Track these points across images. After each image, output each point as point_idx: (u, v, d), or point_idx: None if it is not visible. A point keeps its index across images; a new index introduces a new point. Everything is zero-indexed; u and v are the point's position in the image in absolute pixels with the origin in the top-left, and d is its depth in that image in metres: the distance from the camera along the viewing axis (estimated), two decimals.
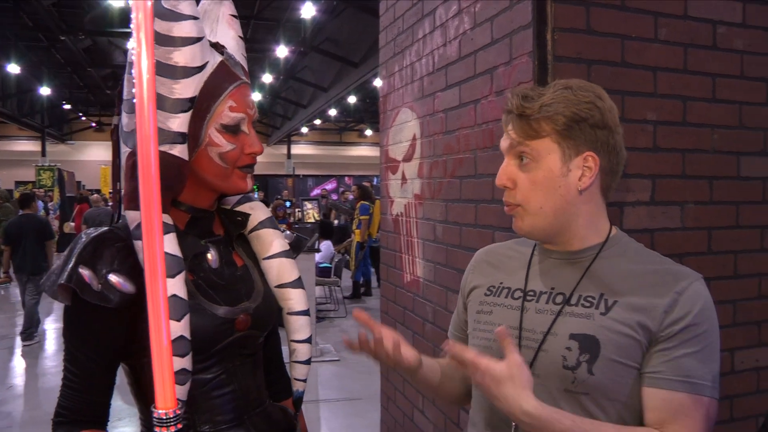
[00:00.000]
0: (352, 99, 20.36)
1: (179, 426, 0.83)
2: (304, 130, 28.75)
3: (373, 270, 10.62)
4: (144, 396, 1.20)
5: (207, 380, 1.22)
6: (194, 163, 1.20)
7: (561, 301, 1.20)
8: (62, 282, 1.09)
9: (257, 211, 1.38)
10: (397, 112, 3.01)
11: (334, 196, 19.75)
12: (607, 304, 1.15)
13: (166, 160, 1.11)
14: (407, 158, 2.89)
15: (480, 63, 2.08)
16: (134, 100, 0.92)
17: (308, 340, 1.38)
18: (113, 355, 1.17)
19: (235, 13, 1.32)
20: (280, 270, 1.35)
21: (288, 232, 1.47)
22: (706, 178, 2.04)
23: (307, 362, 1.39)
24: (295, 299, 1.36)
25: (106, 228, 1.18)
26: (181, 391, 1.12)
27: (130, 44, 1.12)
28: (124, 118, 1.16)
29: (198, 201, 1.26)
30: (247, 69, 1.29)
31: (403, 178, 2.95)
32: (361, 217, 9.63)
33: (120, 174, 1.21)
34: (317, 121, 26.94)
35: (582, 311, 1.16)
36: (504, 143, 1.22)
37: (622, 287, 1.16)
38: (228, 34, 1.28)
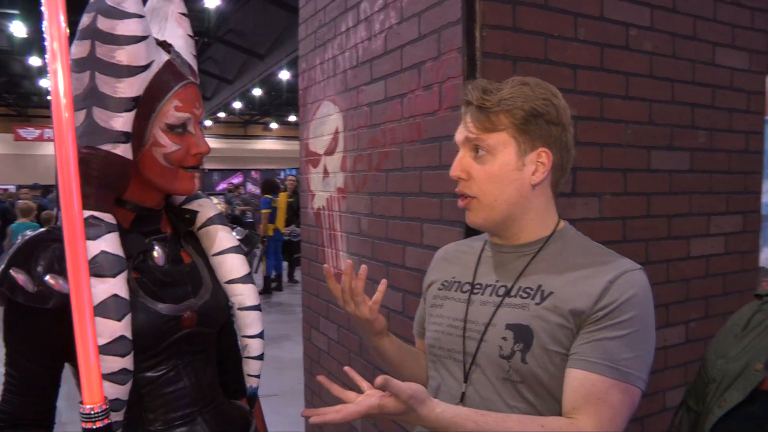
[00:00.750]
0: (257, 91, 20.01)
1: (106, 421, 0.86)
2: (208, 123, 27.99)
3: (285, 264, 10.57)
4: None
5: (155, 378, 1.21)
6: (139, 162, 1.19)
7: (503, 293, 1.23)
8: None
9: (205, 208, 1.37)
10: (318, 106, 3.00)
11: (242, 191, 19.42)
12: (543, 294, 1.18)
13: (108, 159, 1.12)
14: (329, 152, 2.88)
15: (407, 57, 2.10)
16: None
17: (260, 335, 1.38)
18: (53, 356, 1.14)
19: (185, 11, 1.30)
20: (229, 265, 1.35)
21: (239, 228, 1.46)
22: (621, 170, 2.17)
23: (260, 357, 1.39)
24: (245, 294, 1.35)
25: (44, 229, 1.16)
26: (122, 391, 1.11)
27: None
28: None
29: (144, 199, 1.25)
30: (196, 68, 1.28)
31: (325, 172, 2.94)
32: (262, 211, 9.56)
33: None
34: (221, 114, 26.30)
35: (519, 302, 1.20)
36: (460, 135, 1.23)
37: (560, 278, 1.18)
38: (176, 32, 1.26)
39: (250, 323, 1.36)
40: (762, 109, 2.62)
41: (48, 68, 0.82)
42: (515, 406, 1.16)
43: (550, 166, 1.20)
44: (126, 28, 1.09)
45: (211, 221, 1.36)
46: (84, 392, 0.85)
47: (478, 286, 1.28)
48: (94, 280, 1.06)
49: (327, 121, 2.88)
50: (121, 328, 1.09)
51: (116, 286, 1.10)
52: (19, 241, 1.12)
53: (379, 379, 1.01)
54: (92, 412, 0.85)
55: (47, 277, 1.08)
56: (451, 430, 1.07)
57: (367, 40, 2.37)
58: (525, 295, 1.20)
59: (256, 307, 1.37)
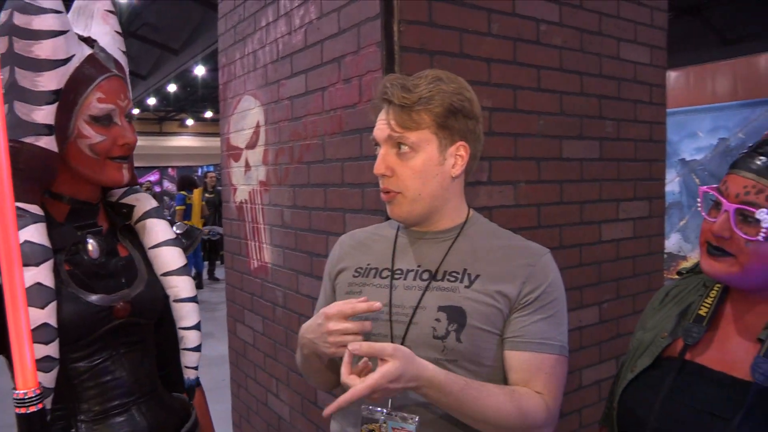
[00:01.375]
0: (172, 87, 19.49)
1: (40, 406, 0.88)
2: None
3: (205, 263, 10.42)
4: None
5: (89, 368, 1.23)
6: (66, 155, 1.21)
7: (428, 277, 1.28)
8: None
9: (142, 202, 1.40)
10: (238, 100, 2.97)
11: (157, 189, 18.89)
12: (470, 278, 1.25)
13: (31, 151, 1.14)
14: (251, 145, 2.87)
15: (327, 52, 2.12)
16: None
17: (197, 327, 1.40)
18: None
19: (112, 9, 1.33)
20: (165, 258, 1.37)
21: (179, 222, 1.47)
22: (535, 159, 2.26)
23: (197, 349, 1.41)
24: (180, 286, 1.37)
25: None
26: (48, 378, 1.13)
27: None
28: None
29: (79, 193, 1.27)
30: (124, 63, 1.31)
31: (247, 165, 2.93)
32: (176, 207, 9.43)
33: None
34: (135, 111, 25.47)
35: (448, 285, 1.26)
36: (381, 133, 1.26)
37: (482, 262, 1.27)
38: (103, 29, 1.29)
39: (186, 315, 1.39)
40: (663, 101, 2.80)
41: None
42: None
43: (467, 157, 1.27)
44: (42, 23, 1.12)
45: (147, 215, 1.39)
46: (17, 377, 0.86)
47: (398, 272, 1.31)
48: None
49: (248, 115, 2.87)
50: (45, 315, 1.10)
51: (40, 274, 1.11)
52: None
53: (353, 346, 1.10)
54: (26, 397, 0.87)
55: None
56: (445, 389, 1.11)
57: (287, 35, 2.38)
58: (452, 278, 1.26)
59: (192, 299, 1.40)
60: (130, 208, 1.38)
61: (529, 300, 1.23)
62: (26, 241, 1.11)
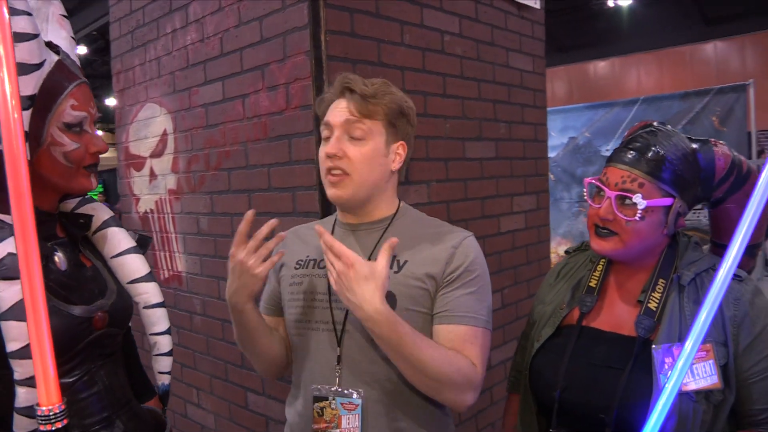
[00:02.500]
0: None
1: (65, 422, 0.86)
2: None
3: None
4: None
5: (69, 384, 1.19)
6: (37, 163, 1.16)
7: None
8: None
9: (99, 212, 1.36)
10: (140, 108, 2.93)
11: None
12: (400, 263, 1.37)
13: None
14: (156, 154, 2.84)
15: (248, 59, 2.18)
16: None
17: (168, 332, 1.40)
18: None
19: (65, 13, 1.28)
20: (131, 266, 1.35)
21: (131, 231, 1.46)
22: (443, 160, 2.45)
23: (170, 354, 1.40)
24: (150, 292, 1.37)
25: None
26: (34, 396, 1.09)
27: None
28: None
29: (41, 203, 1.21)
30: (81, 69, 1.28)
31: (152, 174, 2.89)
32: None
33: None
34: None
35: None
36: (338, 118, 1.36)
37: (410, 248, 1.39)
38: (60, 34, 1.24)
39: (157, 320, 1.38)
40: (544, 104, 3.10)
41: None
42: (381, 361, 1.33)
43: (404, 156, 1.43)
44: (16, 25, 1.06)
45: (106, 224, 1.35)
46: (40, 394, 0.85)
47: None
48: (5, 284, 1.05)
49: (152, 123, 2.84)
50: None
51: None
52: None
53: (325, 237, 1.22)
54: (51, 414, 0.86)
55: None
56: (394, 326, 1.21)
57: (199, 42, 2.40)
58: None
59: (162, 304, 1.39)
60: (88, 218, 1.34)
61: (453, 277, 1.34)
62: (9, 254, 1.07)
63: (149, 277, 1.37)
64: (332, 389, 1.35)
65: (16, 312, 1.05)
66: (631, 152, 1.32)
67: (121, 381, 1.32)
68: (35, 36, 1.10)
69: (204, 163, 2.48)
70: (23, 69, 1.08)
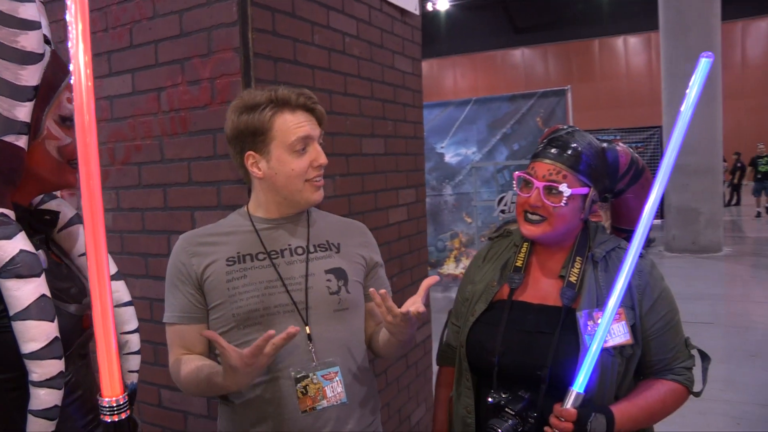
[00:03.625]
0: None
1: (128, 412, 0.92)
2: None
3: None
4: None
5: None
6: (29, 156, 1.12)
7: (302, 252, 1.57)
8: None
9: (65, 209, 1.31)
10: None
11: None
12: (337, 246, 1.62)
13: (11, 151, 1.07)
14: None
15: (164, 53, 2.16)
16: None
17: (137, 330, 1.38)
18: None
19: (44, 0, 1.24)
20: None
21: None
22: (345, 155, 2.59)
23: (138, 352, 1.38)
24: (120, 290, 1.35)
25: None
26: (60, 396, 1.07)
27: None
28: None
29: (20, 198, 1.17)
30: None
31: None
32: None
33: None
34: None
35: (323, 254, 1.59)
36: (315, 132, 1.56)
37: (337, 234, 1.65)
38: (43, 22, 1.18)
39: (128, 319, 1.35)
40: (421, 104, 3.34)
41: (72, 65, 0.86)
42: (344, 329, 1.56)
43: None
44: (27, 12, 1.06)
45: (71, 222, 1.31)
46: (103, 386, 0.89)
47: (273, 253, 1.54)
48: (20, 282, 1.03)
49: None
50: (54, 329, 1.06)
51: (42, 285, 1.06)
52: None
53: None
54: (115, 405, 0.91)
55: None
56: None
57: (102, 32, 2.32)
58: (323, 249, 1.60)
59: (131, 303, 1.37)
60: (55, 214, 1.27)
61: (374, 260, 1.70)
62: (22, 251, 1.04)
63: (118, 276, 1.35)
64: (312, 365, 1.47)
65: (33, 311, 1.03)
66: (554, 149, 1.56)
67: (96, 384, 1.29)
68: (40, 25, 1.08)
69: (108, 157, 2.39)
70: (32, 59, 1.07)
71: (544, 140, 1.64)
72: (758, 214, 14.48)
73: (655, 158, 13.98)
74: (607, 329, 1.39)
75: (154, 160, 2.25)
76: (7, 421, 1.09)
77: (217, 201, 2.10)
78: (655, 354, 1.55)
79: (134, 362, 1.37)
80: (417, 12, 3.21)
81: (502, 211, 6.69)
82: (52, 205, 1.30)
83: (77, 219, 1.32)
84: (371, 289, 1.41)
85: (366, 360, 1.63)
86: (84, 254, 1.28)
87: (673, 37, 9.78)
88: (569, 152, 1.54)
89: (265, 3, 2.08)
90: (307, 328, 1.50)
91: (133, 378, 1.38)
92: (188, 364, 1.49)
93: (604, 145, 1.63)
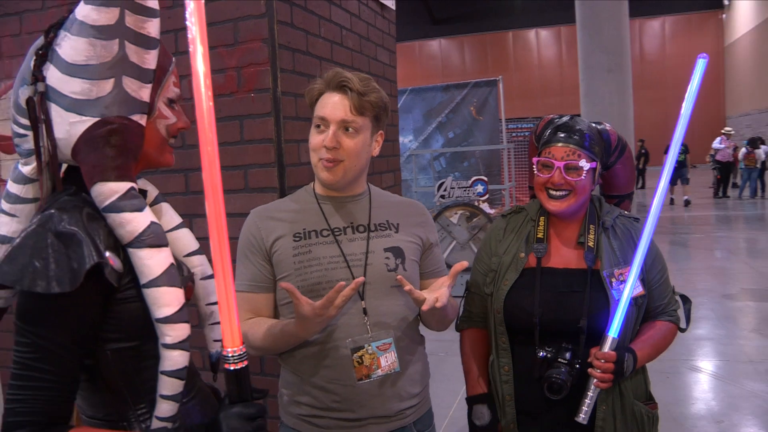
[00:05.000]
0: None
1: (246, 362, 1.03)
2: None
3: None
4: (112, 386, 1.14)
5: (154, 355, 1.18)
6: None
7: (363, 230, 1.65)
8: (91, 264, 1.01)
9: (149, 187, 1.36)
10: (8, 86, 2.74)
11: None
12: (396, 226, 1.69)
13: (137, 130, 1.13)
14: None
15: (184, 42, 2.26)
16: (91, 64, 1.06)
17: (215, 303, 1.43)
18: (87, 343, 1.08)
19: None
20: (184, 240, 1.38)
21: None
22: None
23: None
24: (205, 264, 1.40)
25: (72, 204, 1.09)
26: (188, 358, 1.14)
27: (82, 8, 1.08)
28: (73, 83, 1.08)
29: None
30: None
31: None
32: None
33: (47, 148, 1.10)
34: None
35: (383, 233, 1.67)
36: (335, 115, 1.55)
37: (395, 215, 1.72)
38: None
39: (212, 291, 1.40)
40: (396, 94, 3.55)
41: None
42: (400, 304, 1.64)
43: (381, 143, 1.72)
44: (152, 1, 1.13)
45: (157, 200, 1.36)
46: (225, 337, 1.01)
47: (337, 230, 1.64)
48: (152, 251, 1.09)
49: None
50: (183, 294, 1.13)
51: (170, 255, 1.12)
52: (57, 217, 1.04)
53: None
54: (234, 355, 1.01)
55: (108, 254, 1.06)
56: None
57: None
58: (383, 228, 1.68)
59: (213, 276, 1.36)
60: (144, 192, 1.30)
61: (431, 240, 1.77)
62: (152, 222, 1.11)
63: (200, 250, 1.41)
64: (367, 336, 1.58)
65: (166, 278, 1.09)
66: (563, 134, 1.78)
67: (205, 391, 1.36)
68: (159, 13, 1.15)
69: None
70: (154, 44, 1.15)
71: (548, 129, 1.84)
72: (672, 201, 15.35)
73: None
74: (635, 282, 1.64)
75: (177, 146, 2.34)
76: (130, 386, 1.16)
77: (244, 184, 2.23)
78: (655, 301, 1.81)
79: (218, 331, 1.37)
80: (393, 7, 3.40)
81: (442, 196, 6.97)
82: (139, 184, 1.35)
83: (161, 197, 1.38)
84: (398, 276, 1.55)
85: (418, 333, 1.73)
86: (171, 230, 1.35)
87: (588, 33, 10.36)
88: (576, 135, 1.76)
89: None
90: (362, 302, 1.59)
91: (217, 346, 1.43)
92: (260, 323, 1.60)
93: (599, 126, 1.87)
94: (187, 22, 1.00)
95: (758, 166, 15.35)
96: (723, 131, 16.61)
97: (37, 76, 1.08)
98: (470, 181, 6.94)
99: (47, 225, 1.03)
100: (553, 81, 25.83)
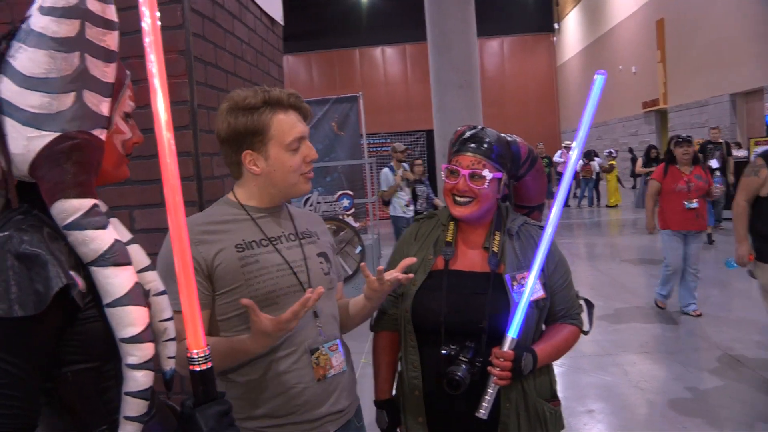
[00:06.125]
0: None
1: (209, 364, 1.06)
2: None
3: None
4: (73, 409, 1.10)
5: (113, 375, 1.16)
6: None
7: (294, 238, 1.73)
8: (59, 287, 0.97)
9: (99, 202, 1.28)
10: None
11: None
12: (316, 234, 1.81)
13: (98, 144, 1.10)
14: None
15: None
16: (51, 77, 1.02)
17: (172, 318, 1.40)
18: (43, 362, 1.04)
19: None
20: (136, 257, 1.31)
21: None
22: None
23: (174, 339, 1.38)
24: (156, 280, 1.35)
25: (28, 224, 1.04)
26: (152, 377, 1.12)
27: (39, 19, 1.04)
28: (31, 97, 1.03)
29: None
30: None
31: None
32: None
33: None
34: None
35: (310, 240, 1.77)
36: (306, 130, 1.69)
37: (310, 224, 1.83)
38: None
39: (164, 307, 1.36)
40: None
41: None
42: (334, 305, 1.78)
43: None
44: (111, 13, 1.10)
45: (107, 215, 1.28)
46: (189, 339, 1.05)
47: (273, 239, 1.69)
48: (117, 270, 1.06)
49: None
50: (148, 314, 1.10)
51: (134, 273, 1.10)
52: (27, 237, 0.99)
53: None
54: (198, 356, 1.05)
55: (72, 273, 1.03)
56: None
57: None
58: (308, 235, 1.78)
59: (165, 292, 1.38)
60: None
61: (335, 249, 1.92)
62: (116, 240, 1.08)
63: (151, 267, 1.37)
64: (320, 338, 1.67)
65: (132, 297, 1.06)
66: (473, 144, 1.89)
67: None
68: (118, 26, 1.12)
69: None
70: (113, 57, 1.12)
71: (459, 138, 1.94)
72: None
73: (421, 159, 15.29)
74: (533, 287, 1.75)
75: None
76: (90, 409, 1.11)
77: (160, 198, 2.17)
78: (558, 304, 1.92)
79: (172, 348, 1.36)
80: (282, 22, 3.44)
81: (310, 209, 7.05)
82: None
83: (110, 213, 1.30)
84: (362, 264, 1.70)
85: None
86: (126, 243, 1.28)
87: (438, 53, 10.92)
88: (485, 146, 1.88)
89: (197, 8, 2.20)
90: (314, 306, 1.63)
91: (172, 364, 1.37)
92: (215, 345, 1.57)
93: (509, 138, 2.00)
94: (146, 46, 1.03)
95: (593, 177, 16.82)
96: (563, 145, 18.02)
97: None
98: (336, 196, 7.06)
99: (6, 246, 0.98)
100: (399, 97, 26.77)
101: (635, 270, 8.69)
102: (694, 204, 5.95)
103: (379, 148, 14.90)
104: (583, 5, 26.45)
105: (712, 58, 15.97)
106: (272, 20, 3.26)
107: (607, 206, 16.76)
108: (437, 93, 11.04)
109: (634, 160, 19.57)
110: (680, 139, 6.17)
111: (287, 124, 1.63)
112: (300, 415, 1.63)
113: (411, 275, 1.68)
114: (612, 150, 18.07)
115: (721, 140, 11.11)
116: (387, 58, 27.94)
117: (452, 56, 10.58)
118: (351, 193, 7.13)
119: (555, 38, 30.22)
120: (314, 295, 1.44)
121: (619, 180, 17.22)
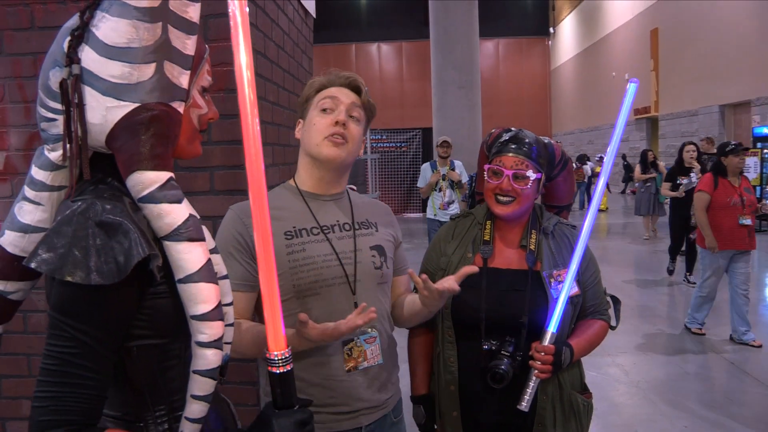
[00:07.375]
0: None
1: (288, 367, 1.01)
2: None
3: None
4: (134, 385, 1.09)
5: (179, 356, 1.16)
6: None
7: (349, 228, 1.71)
8: (141, 257, 0.96)
9: None
10: None
11: None
12: (375, 225, 1.77)
13: (176, 117, 1.08)
14: None
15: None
16: (132, 47, 1.00)
17: (232, 303, 1.37)
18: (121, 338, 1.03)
19: None
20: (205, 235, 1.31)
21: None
22: (282, 145, 2.80)
23: (233, 324, 1.36)
24: (221, 263, 1.33)
25: (110, 193, 1.05)
26: (221, 356, 1.10)
27: None
28: (112, 66, 1.01)
29: None
30: None
31: None
32: None
33: (78, 134, 1.04)
34: None
35: (366, 231, 1.74)
36: (346, 98, 1.66)
37: (370, 214, 1.80)
38: None
39: (227, 291, 1.34)
40: None
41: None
42: (382, 300, 1.74)
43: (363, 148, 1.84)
44: None
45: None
46: (269, 340, 1.00)
47: (325, 228, 1.68)
48: (191, 245, 1.04)
49: None
50: (219, 291, 1.08)
51: (207, 250, 1.07)
52: (109, 206, 0.99)
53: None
54: (279, 358, 1.00)
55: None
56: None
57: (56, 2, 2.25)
58: (365, 226, 1.75)
59: (227, 276, 1.36)
60: None
61: (400, 243, 1.89)
62: (191, 215, 1.06)
63: (217, 249, 1.34)
64: (356, 331, 1.56)
65: (204, 273, 1.04)
66: (514, 145, 1.93)
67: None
68: None
69: None
70: (195, 29, 1.10)
71: (498, 140, 1.99)
72: None
73: (416, 157, 15.28)
74: (572, 283, 1.80)
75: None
76: (151, 385, 1.11)
77: (210, 186, 2.21)
78: (589, 300, 1.96)
79: (229, 334, 1.30)
80: (314, 14, 3.48)
81: None
82: None
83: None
84: (409, 270, 1.71)
85: (392, 327, 1.80)
86: None
87: (441, 51, 10.95)
88: (525, 147, 1.92)
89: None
90: (354, 297, 1.65)
91: (227, 349, 1.31)
92: (245, 327, 1.58)
93: (546, 140, 2.05)
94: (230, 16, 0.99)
95: (585, 180, 16.99)
96: (596, 157, 18.14)
97: (72, 58, 1.01)
98: None
99: (88, 213, 0.97)
100: (393, 94, 26.81)
101: (626, 273, 8.85)
102: (748, 221, 5.28)
103: (374, 144, 14.95)
104: (579, 11, 26.69)
105: (703, 70, 16.22)
106: (306, 12, 3.30)
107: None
108: (438, 92, 11.09)
109: (626, 166, 19.76)
110: (734, 146, 5.45)
111: (328, 91, 1.66)
112: (333, 407, 1.64)
113: (454, 287, 1.62)
114: (602, 155, 18.28)
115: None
116: (383, 54, 28.03)
117: (455, 56, 10.65)
118: (354, 187, 7.17)
119: (550, 42, 30.44)
120: (363, 319, 1.45)
121: (607, 185, 17.39)
